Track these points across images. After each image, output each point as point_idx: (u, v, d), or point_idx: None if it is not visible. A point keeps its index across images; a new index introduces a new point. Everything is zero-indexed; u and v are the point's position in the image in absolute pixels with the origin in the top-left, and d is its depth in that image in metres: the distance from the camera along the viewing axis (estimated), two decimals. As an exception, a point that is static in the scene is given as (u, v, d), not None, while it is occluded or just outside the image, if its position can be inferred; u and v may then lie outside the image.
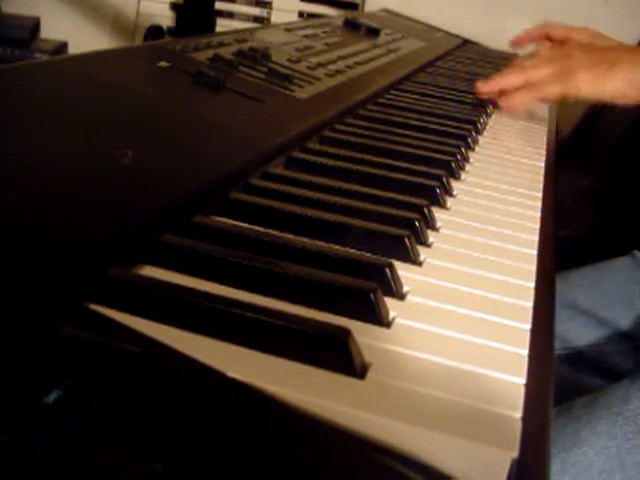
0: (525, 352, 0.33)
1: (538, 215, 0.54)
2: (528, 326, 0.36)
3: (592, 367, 0.84)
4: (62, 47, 1.47)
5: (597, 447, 0.61)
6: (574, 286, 0.86)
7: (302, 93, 0.65)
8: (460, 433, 0.26)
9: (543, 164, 0.69)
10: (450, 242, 0.45)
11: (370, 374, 0.29)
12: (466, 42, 1.35)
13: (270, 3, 1.64)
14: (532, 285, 0.41)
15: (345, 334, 0.29)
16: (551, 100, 0.85)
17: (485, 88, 0.84)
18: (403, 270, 0.38)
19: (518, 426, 0.27)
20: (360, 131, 0.63)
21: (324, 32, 0.98)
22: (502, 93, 0.83)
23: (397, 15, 1.41)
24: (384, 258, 0.38)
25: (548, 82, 0.78)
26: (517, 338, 0.34)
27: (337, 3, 1.65)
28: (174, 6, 1.59)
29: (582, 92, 0.77)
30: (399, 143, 0.62)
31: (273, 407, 0.25)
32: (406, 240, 0.41)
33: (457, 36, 1.36)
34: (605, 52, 0.79)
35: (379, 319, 0.33)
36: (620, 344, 0.83)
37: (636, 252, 0.86)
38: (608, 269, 0.87)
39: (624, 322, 0.83)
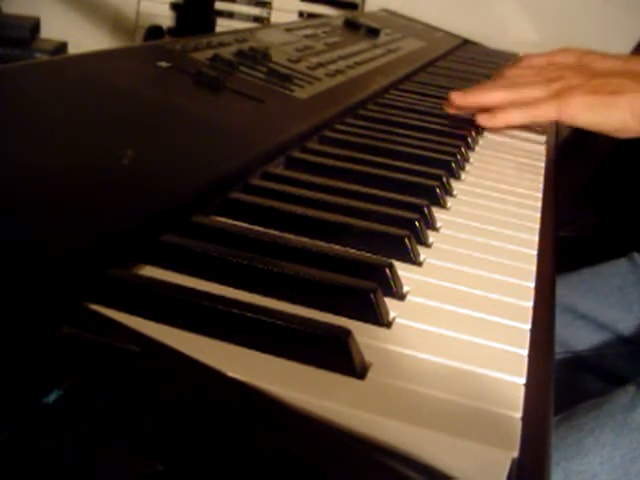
0: (525, 352, 0.33)
1: (538, 215, 0.54)
2: (528, 326, 0.36)
3: (592, 371, 0.83)
4: (62, 47, 1.46)
5: (601, 457, 0.60)
6: (573, 290, 0.85)
7: (302, 93, 0.65)
8: (460, 433, 0.26)
9: (543, 164, 0.69)
10: (450, 242, 0.45)
11: (370, 374, 0.29)
12: (466, 42, 1.35)
13: (270, 3, 1.64)
14: (532, 285, 0.41)
15: (345, 334, 0.29)
16: (541, 123, 0.76)
17: (463, 101, 0.73)
18: (403, 270, 0.38)
19: (518, 426, 0.27)
20: (360, 131, 0.63)
21: (324, 32, 0.98)
22: (483, 109, 0.73)
23: (397, 15, 1.41)
24: (384, 258, 0.38)
25: (540, 103, 0.68)
26: (517, 338, 0.34)
27: (337, 3, 1.64)
28: (174, 6, 1.59)
29: (578, 120, 0.67)
30: (399, 143, 0.62)
31: (273, 407, 0.25)
32: (406, 240, 0.41)
33: (457, 36, 1.36)
34: (606, 77, 0.68)
35: (379, 319, 0.33)
36: (619, 348, 0.82)
37: (635, 254, 0.86)
38: (607, 272, 0.86)
39: (623, 326, 0.82)
